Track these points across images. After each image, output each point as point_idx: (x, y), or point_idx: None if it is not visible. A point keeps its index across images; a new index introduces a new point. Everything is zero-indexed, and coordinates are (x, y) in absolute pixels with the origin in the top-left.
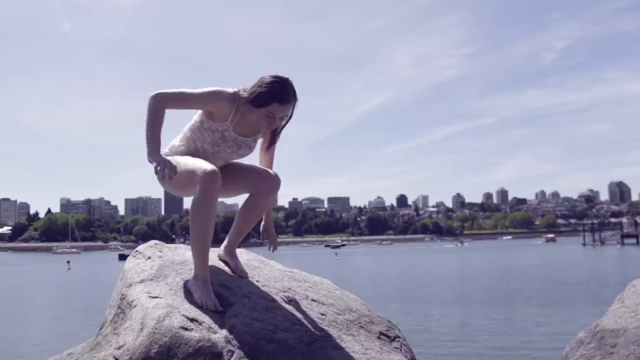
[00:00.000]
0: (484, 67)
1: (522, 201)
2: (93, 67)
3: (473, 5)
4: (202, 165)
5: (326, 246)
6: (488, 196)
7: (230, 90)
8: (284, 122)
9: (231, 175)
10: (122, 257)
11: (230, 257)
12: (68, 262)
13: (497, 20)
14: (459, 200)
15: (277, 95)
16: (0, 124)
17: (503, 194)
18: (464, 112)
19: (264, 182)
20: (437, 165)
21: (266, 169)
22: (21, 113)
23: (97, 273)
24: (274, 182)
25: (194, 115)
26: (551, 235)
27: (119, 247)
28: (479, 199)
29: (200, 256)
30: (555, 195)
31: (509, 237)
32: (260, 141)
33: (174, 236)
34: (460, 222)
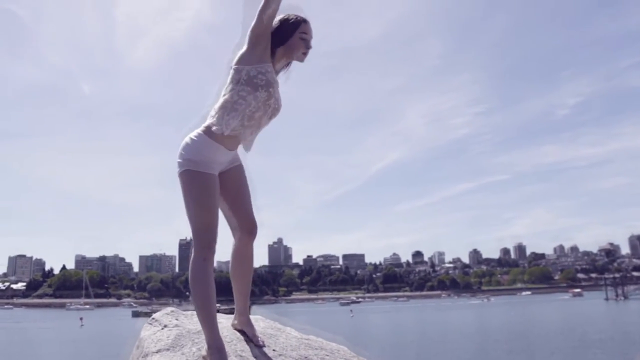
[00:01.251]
0: (496, 124)
1: (541, 256)
2: (110, 127)
3: (485, 64)
4: (208, 226)
5: (341, 304)
6: (505, 251)
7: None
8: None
9: (226, 201)
10: (136, 314)
11: (245, 326)
12: (81, 318)
13: (508, 79)
14: (475, 256)
15: (299, 17)
16: (19, 182)
17: (520, 248)
18: (477, 169)
19: (245, 223)
20: (452, 221)
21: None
22: (39, 171)
23: (110, 330)
24: (252, 225)
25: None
26: (578, 290)
27: (132, 303)
28: (495, 255)
29: (208, 324)
30: (574, 249)
31: (528, 292)
32: None
33: (187, 293)
34: (478, 277)
